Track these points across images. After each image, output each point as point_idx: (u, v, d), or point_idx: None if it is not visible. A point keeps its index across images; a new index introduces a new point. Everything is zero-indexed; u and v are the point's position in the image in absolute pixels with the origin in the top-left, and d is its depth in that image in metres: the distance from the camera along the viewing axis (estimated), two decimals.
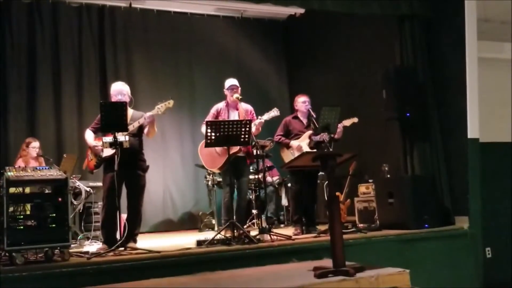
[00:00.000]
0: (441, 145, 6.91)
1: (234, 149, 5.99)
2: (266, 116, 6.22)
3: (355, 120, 6.62)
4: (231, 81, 6.44)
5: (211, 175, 8.33)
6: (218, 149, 6.11)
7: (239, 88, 6.40)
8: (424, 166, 6.90)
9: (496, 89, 7.41)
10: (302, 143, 6.54)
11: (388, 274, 4.10)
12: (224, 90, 6.46)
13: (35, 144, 7.26)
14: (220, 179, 7.58)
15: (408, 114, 6.89)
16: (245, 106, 6.44)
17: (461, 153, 6.62)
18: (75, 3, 9.11)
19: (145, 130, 5.74)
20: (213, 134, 5.57)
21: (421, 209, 6.33)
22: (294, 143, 6.58)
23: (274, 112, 6.25)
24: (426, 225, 6.27)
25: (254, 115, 6.41)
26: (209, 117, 6.38)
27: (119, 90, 5.74)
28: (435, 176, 6.81)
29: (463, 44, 6.56)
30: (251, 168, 7.10)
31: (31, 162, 7.05)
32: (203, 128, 6.08)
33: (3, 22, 8.56)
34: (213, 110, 6.47)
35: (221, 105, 6.47)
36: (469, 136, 6.54)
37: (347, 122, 6.56)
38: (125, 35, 9.46)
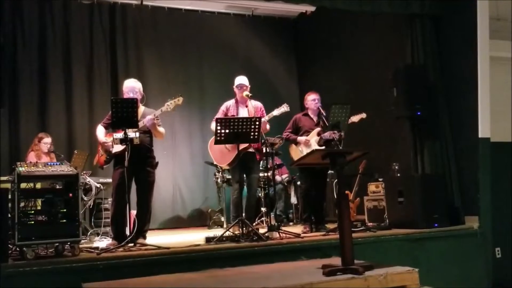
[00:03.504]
0: (452, 144, 6.87)
1: (244, 144, 5.99)
2: (276, 112, 6.20)
3: (363, 115, 6.59)
4: (240, 79, 6.42)
5: (220, 172, 8.35)
6: (228, 145, 6.10)
7: (248, 87, 6.38)
8: (434, 165, 6.87)
9: (506, 88, 7.33)
10: (310, 138, 6.53)
11: (397, 273, 4.09)
12: (234, 87, 6.46)
13: (47, 140, 7.32)
14: (229, 177, 7.59)
15: (418, 113, 6.86)
16: (255, 103, 6.43)
17: (472, 152, 6.57)
18: (87, 0, 9.15)
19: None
20: (222, 131, 5.57)
21: (431, 208, 6.30)
22: (301, 138, 6.56)
23: (284, 108, 6.22)
24: (436, 224, 6.24)
25: (264, 112, 6.40)
26: (219, 115, 6.38)
27: (131, 87, 5.75)
28: (445, 175, 6.78)
29: (475, 43, 6.51)
30: (260, 165, 7.10)
31: (42, 157, 7.11)
32: (213, 125, 6.06)
33: (14, 20, 8.61)
34: (222, 107, 6.48)
35: (230, 102, 6.47)
36: (480, 136, 6.49)
37: (356, 118, 6.53)
38: (136, 32, 9.51)
